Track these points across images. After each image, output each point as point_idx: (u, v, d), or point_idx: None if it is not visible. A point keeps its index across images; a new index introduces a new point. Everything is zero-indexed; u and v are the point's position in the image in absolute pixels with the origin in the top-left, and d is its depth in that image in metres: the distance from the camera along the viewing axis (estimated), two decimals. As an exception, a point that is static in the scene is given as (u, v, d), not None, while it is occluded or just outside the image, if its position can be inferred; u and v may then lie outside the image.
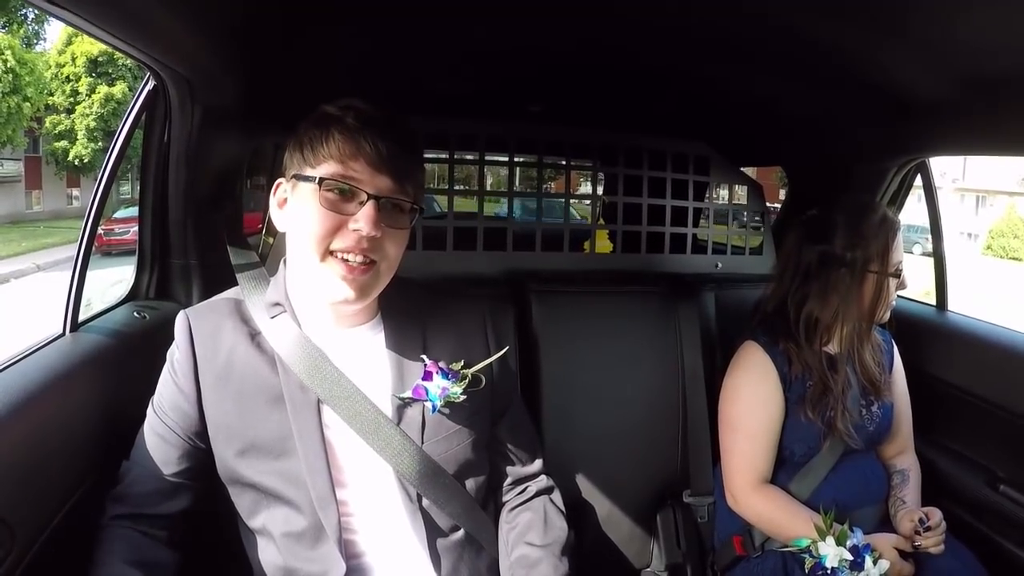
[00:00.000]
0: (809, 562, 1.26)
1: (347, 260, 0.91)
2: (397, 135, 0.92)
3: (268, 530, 0.99)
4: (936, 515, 1.33)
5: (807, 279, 1.43)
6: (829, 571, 1.24)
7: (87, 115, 20.51)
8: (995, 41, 1.03)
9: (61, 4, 0.79)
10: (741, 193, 2.04)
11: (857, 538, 1.26)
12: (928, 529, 1.30)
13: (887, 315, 1.44)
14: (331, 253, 0.91)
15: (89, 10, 0.85)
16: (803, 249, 1.45)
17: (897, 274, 1.41)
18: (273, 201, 1.00)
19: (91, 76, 20.55)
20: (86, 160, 20.71)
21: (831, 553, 1.24)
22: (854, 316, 1.40)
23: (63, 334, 1.11)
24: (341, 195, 0.91)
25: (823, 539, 1.25)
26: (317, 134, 0.92)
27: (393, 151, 0.91)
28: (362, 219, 0.89)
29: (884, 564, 1.24)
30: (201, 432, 0.99)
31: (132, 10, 0.88)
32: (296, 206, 0.94)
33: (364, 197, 0.90)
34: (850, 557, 1.24)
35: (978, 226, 25.31)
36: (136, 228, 1.39)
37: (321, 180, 0.90)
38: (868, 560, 1.24)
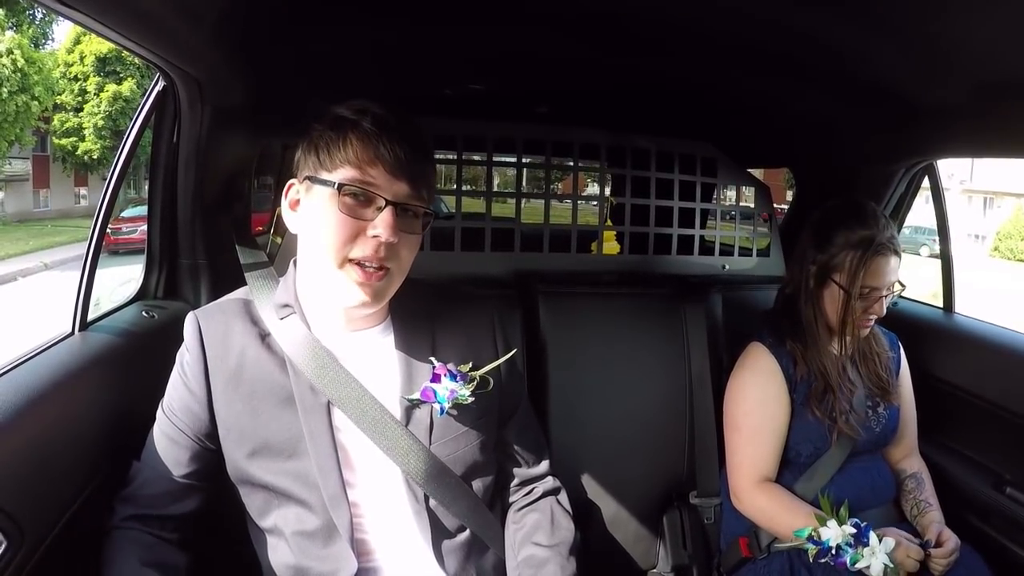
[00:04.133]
0: (813, 550, 1.25)
1: (364, 266, 0.91)
2: (413, 140, 0.92)
3: (280, 529, 0.99)
4: (951, 544, 1.31)
5: (811, 280, 1.43)
6: (834, 551, 1.23)
7: (95, 114, 20.61)
8: (1004, 44, 1.03)
9: (72, 5, 0.79)
10: (748, 194, 2.04)
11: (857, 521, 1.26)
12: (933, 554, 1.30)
13: (859, 333, 1.41)
14: (349, 260, 0.91)
15: (99, 11, 0.85)
16: (807, 249, 1.45)
17: (862, 297, 1.36)
18: (284, 202, 0.99)
19: (99, 75, 20.65)
20: (95, 156, 20.80)
21: (834, 533, 1.24)
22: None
23: (72, 333, 1.12)
24: (359, 201, 0.90)
25: (824, 524, 1.25)
26: (333, 137, 0.91)
27: (410, 156, 0.91)
28: (380, 225, 0.89)
29: (889, 542, 1.24)
30: (211, 433, 0.99)
31: (142, 11, 0.88)
32: (311, 209, 0.94)
33: (382, 203, 0.90)
34: (853, 531, 1.24)
35: (986, 228, 25.15)
36: (142, 227, 1.39)
37: (340, 185, 0.90)
38: (872, 536, 1.24)
